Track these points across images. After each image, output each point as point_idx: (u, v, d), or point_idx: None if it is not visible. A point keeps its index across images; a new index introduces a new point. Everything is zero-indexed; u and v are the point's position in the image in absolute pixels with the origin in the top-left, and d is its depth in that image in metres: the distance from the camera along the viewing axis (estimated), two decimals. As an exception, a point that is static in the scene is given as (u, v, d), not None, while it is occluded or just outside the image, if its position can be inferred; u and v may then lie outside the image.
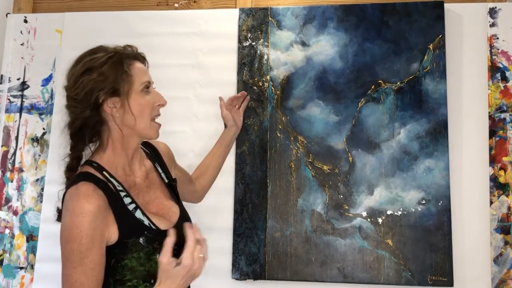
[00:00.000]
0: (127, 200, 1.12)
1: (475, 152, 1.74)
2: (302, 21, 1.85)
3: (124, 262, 1.07)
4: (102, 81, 1.11)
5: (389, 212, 1.71)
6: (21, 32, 2.03)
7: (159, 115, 1.24)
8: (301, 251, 1.72)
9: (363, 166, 1.75)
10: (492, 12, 1.79)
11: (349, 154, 1.76)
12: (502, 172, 1.71)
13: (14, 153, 1.96)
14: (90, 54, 1.15)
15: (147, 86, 1.19)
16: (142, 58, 1.23)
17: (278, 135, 1.80)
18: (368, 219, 1.71)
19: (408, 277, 1.66)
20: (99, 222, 1.04)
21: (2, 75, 2.01)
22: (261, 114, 1.82)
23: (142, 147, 1.31)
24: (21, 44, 2.02)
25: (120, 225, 1.08)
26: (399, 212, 1.70)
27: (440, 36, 1.77)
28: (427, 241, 1.67)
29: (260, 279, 1.73)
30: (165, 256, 1.03)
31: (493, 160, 1.72)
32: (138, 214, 1.12)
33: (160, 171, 1.30)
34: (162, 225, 1.15)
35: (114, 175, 1.14)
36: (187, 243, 1.06)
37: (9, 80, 2.00)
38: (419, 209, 1.69)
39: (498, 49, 1.77)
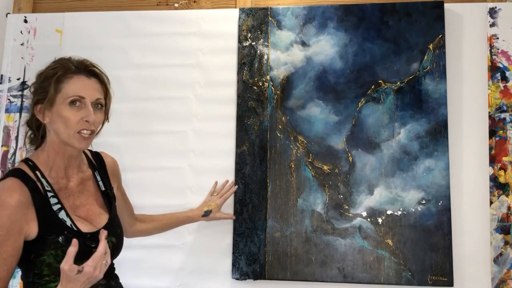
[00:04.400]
0: (53, 201, 1.20)
1: (475, 152, 1.74)
2: (302, 21, 1.85)
3: (43, 257, 1.16)
4: (38, 89, 1.24)
5: (389, 212, 1.71)
6: (21, 32, 2.03)
7: (86, 129, 1.25)
8: (301, 251, 1.72)
9: (363, 166, 1.75)
10: (492, 12, 1.79)
11: (349, 154, 1.76)
12: (502, 172, 1.71)
13: (14, 153, 1.96)
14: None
15: (77, 100, 1.23)
16: (87, 73, 1.26)
17: (278, 135, 1.80)
18: (368, 219, 1.71)
19: (408, 277, 1.66)
20: (18, 216, 1.12)
21: (2, 75, 2.01)
22: (261, 114, 1.82)
23: (89, 156, 1.38)
24: (21, 44, 2.02)
25: (41, 222, 1.16)
26: (399, 212, 1.70)
27: (440, 36, 1.77)
28: (427, 241, 1.67)
29: (260, 279, 1.73)
30: (66, 264, 1.09)
31: (493, 160, 1.72)
32: (62, 214, 1.20)
33: (99, 179, 1.36)
34: (84, 228, 1.21)
35: (46, 176, 1.22)
36: (95, 253, 1.13)
37: (9, 80, 2.00)
38: (419, 209, 1.69)
39: (498, 49, 1.77)
